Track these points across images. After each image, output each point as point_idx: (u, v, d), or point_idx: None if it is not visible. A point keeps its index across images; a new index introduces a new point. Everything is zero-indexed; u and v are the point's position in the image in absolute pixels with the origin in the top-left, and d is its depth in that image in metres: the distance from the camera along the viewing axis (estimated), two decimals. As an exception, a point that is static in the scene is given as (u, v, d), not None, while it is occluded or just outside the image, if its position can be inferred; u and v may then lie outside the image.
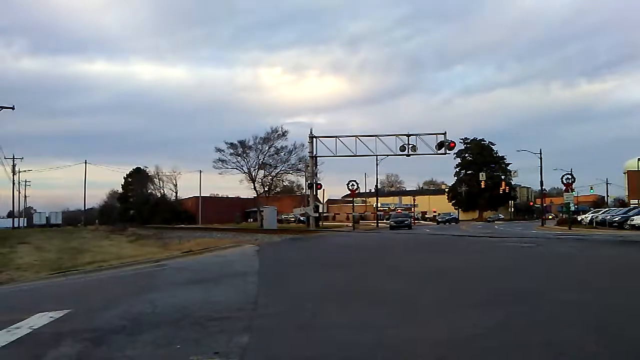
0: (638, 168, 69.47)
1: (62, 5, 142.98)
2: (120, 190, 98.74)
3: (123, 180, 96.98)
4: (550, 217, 77.24)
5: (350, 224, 55.33)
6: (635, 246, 17.72)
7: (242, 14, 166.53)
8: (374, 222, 66.02)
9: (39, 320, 6.34)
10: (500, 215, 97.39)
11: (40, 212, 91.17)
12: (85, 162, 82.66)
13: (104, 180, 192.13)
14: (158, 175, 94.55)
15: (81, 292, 10.59)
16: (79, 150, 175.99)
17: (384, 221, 65.04)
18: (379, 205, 76.85)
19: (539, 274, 10.70)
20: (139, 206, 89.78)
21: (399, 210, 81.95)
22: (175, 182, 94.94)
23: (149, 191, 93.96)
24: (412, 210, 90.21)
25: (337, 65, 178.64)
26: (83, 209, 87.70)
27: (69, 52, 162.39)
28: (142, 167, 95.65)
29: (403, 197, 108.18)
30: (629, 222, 39.04)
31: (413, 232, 38.03)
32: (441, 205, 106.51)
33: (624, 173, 74.44)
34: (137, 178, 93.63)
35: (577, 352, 4.51)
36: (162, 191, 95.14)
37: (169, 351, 4.83)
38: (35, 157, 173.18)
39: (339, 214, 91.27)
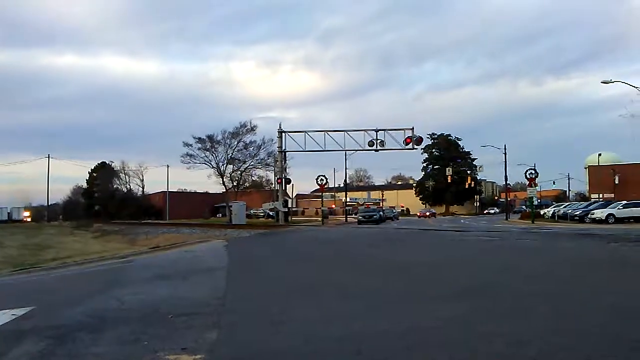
0: (598, 163, 71.53)
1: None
2: (84, 185, 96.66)
3: (88, 175, 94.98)
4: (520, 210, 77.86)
5: (319, 219, 55.51)
6: (593, 239, 18.28)
7: (215, 8, 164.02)
8: (343, 217, 66.31)
9: (1, 318, 6.21)
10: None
11: (1, 208, 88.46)
12: (49, 157, 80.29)
13: (69, 175, 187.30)
14: (124, 170, 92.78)
15: (44, 289, 10.38)
16: (42, 145, 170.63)
17: (353, 216, 65.30)
18: (347, 200, 77.16)
19: (502, 266, 10.97)
20: (104, 202, 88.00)
21: (367, 205, 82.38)
22: (142, 177, 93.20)
23: (114, 186, 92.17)
24: (381, 205, 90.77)
25: (311, 60, 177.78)
26: (46, 204, 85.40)
27: (36, 45, 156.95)
28: (107, 162, 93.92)
29: (372, 192, 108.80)
30: (589, 216, 40.23)
31: (380, 227, 38.37)
32: (409, 200, 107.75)
33: (585, 168, 76.33)
34: (103, 173, 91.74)
35: (539, 342, 4.66)
36: (128, 186, 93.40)
37: (136, 348, 4.80)
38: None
39: (308, 208, 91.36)
